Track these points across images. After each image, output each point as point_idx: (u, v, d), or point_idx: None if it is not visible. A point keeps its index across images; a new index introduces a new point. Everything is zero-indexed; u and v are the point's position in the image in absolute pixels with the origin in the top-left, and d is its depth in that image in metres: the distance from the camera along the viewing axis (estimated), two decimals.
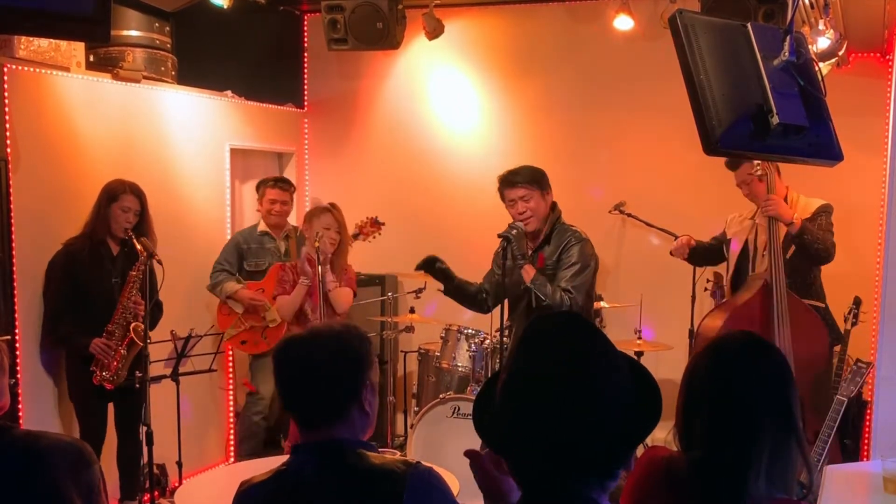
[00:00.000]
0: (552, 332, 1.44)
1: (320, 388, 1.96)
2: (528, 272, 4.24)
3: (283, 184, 5.64)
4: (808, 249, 4.32)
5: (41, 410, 4.46)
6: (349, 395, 1.96)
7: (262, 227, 5.59)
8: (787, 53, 2.30)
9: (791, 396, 1.78)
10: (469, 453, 1.68)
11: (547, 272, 4.29)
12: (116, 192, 4.49)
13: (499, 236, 4.25)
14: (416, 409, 5.29)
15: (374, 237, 5.43)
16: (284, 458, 2.03)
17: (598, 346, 1.43)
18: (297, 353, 1.99)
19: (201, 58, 5.74)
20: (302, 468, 1.95)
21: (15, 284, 4.27)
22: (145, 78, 5.05)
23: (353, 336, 2.00)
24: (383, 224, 5.44)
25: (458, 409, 4.71)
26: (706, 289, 5.31)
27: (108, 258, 4.53)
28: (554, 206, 4.39)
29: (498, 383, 1.44)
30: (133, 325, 4.43)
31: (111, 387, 4.43)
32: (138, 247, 4.39)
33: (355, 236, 5.36)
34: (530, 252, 4.37)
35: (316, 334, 2.02)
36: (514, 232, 4.24)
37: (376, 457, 1.95)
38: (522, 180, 4.32)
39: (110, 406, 4.61)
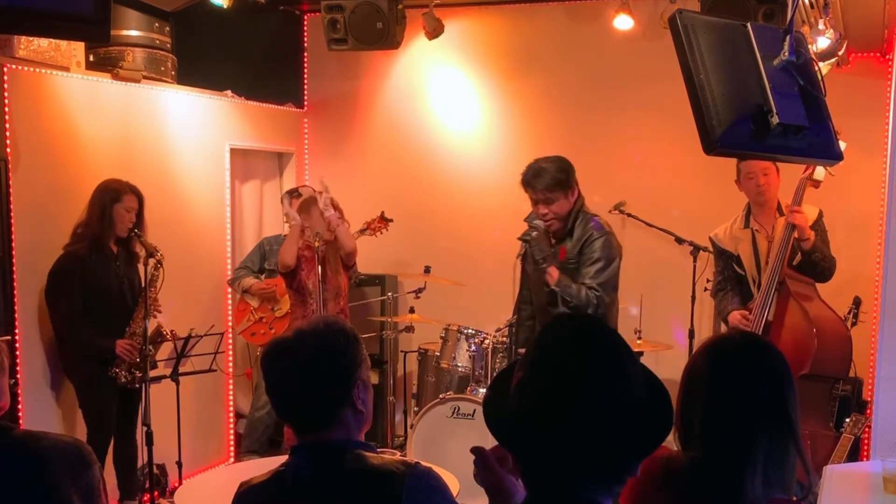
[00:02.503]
0: (570, 335, 1.44)
1: (310, 393, 1.92)
2: (552, 274, 4.16)
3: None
4: (815, 267, 4.28)
5: (41, 411, 4.45)
6: (340, 397, 1.92)
7: (286, 231, 5.65)
8: (786, 53, 2.30)
9: (788, 397, 1.78)
10: (475, 450, 1.68)
11: (569, 266, 4.21)
12: (119, 193, 4.48)
13: (519, 239, 4.18)
14: (416, 409, 5.29)
15: (382, 233, 5.51)
16: (284, 458, 2.02)
17: (615, 351, 1.43)
18: (283, 358, 1.94)
19: (201, 58, 5.74)
20: (300, 470, 1.94)
21: (15, 284, 4.27)
22: (145, 78, 5.05)
23: (339, 336, 1.94)
24: (391, 220, 5.51)
25: (458, 409, 4.71)
26: (706, 289, 5.31)
27: (113, 259, 4.54)
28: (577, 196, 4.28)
29: (513, 380, 1.44)
30: (155, 322, 4.47)
31: (130, 386, 4.45)
32: (143, 247, 4.41)
33: (362, 231, 5.46)
34: (553, 244, 4.30)
35: (301, 338, 1.95)
36: (535, 234, 4.16)
37: (375, 457, 1.94)
38: (543, 185, 4.18)
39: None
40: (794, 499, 1.77)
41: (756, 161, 4.29)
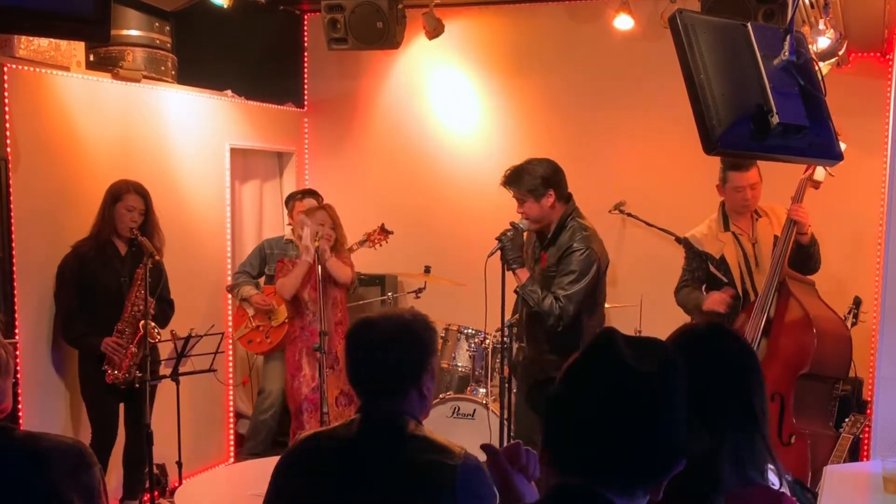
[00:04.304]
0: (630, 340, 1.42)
1: (386, 368, 2.09)
2: (520, 277, 4.18)
3: (312, 195, 5.68)
4: (809, 261, 4.31)
5: (41, 411, 4.45)
6: (411, 377, 2.09)
7: (289, 235, 5.66)
8: (787, 53, 2.30)
9: (751, 387, 1.76)
10: (486, 448, 1.66)
11: (549, 274, 4.21)
12: (120, 192, 4.51)
13: (497, 238, 4.20)
14: None
15: (382, 245, 5.50)
16: None
17: (674, 379, 1.41)
18: (368, 334, 2.13)
19: (201, 58, 5.74)
20: (364, 424, 2.09)
21: (15, 285, 4.27)
22: (145, 78, 5.05)
23: (420, 324, 2.14)
24: (391, 232, 5.51)
25: (458, 409, 4.72)
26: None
27: (116, 258, 4.54)
28: (569, 198, 4.27)
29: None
30: (142, 323, 4.44)
31: (123, 386, 4.45)
32: (143, 247, 4.41)
33: (362, 243, 5.46)
34: (537, 250, 4.32)
35: (388, 320, 2.15)
36: (510, 234, 4.18)
37: (436, 434, 2.08)
38: (514, 185, 4.23)
39: (121, 406, 4.61)
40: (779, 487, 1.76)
41: (744, 174, 4.33)
